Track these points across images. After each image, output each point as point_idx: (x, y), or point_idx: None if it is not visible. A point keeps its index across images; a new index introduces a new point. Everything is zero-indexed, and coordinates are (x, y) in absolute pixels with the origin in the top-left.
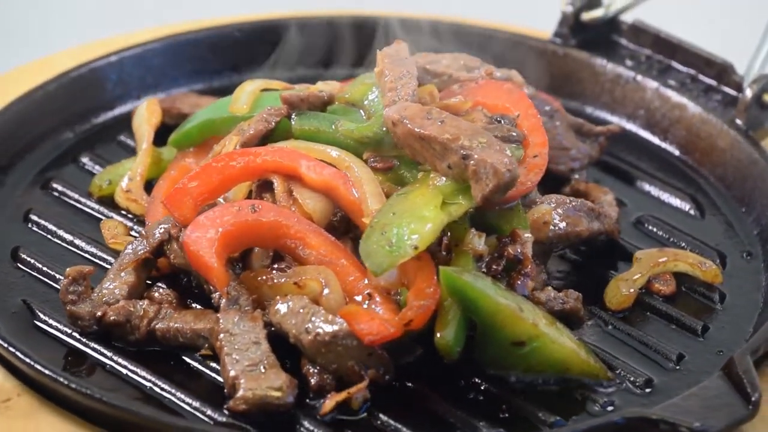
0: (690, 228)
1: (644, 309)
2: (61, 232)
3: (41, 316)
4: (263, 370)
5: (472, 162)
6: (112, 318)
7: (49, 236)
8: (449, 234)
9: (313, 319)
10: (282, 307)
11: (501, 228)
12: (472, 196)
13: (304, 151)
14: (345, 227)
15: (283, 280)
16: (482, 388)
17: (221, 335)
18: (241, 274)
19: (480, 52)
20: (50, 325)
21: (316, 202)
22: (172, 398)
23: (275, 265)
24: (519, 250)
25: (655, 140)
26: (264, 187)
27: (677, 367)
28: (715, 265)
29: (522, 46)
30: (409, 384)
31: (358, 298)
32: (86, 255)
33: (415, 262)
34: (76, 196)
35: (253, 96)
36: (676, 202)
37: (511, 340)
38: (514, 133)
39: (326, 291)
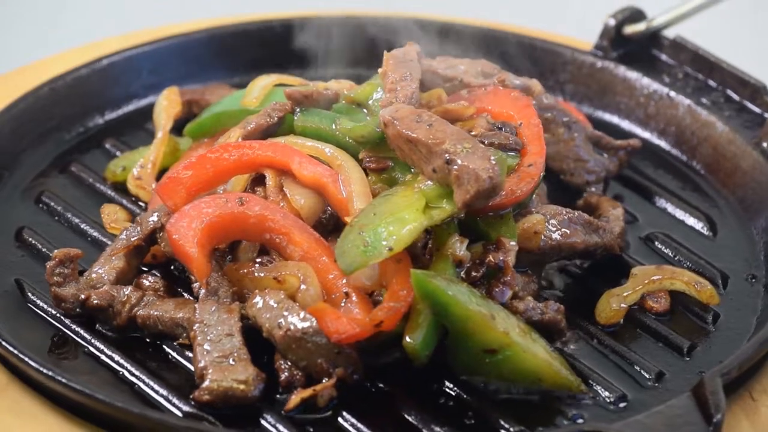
0: (699, 247)
1: (635, 325)
2: (68, 215)
3: (31, 296)
4: (232, 363)
5: (455, 167)
6: (95, 302)
7: (56, 218)
8: (432, 238)
9: (285, 314)
10: (258, 301)
11: (489, 235)
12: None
13: (300, 147)
14: (334, 225)
15: (263, 274)
16: (454, 394)
17: (196, 325)
18: (224, 266)
19: (514, 58)
20: (38, 306)
21: (305, 199)
22: (143, 385)
23: (259, 259)
24: (501, 258)
25: (682, 157)
26: (258, 181)
27: (655, 385)
28: (711, 285)
29: (560, 55)
30: (381, 385)
31: (336, 297)
32: (88, 238)
33: (394, 264)
34: (91, 180)
35: (266, 90)
36: (690, 220)
37: (482, 347)
38: (512, 141)
39: (303, 287)
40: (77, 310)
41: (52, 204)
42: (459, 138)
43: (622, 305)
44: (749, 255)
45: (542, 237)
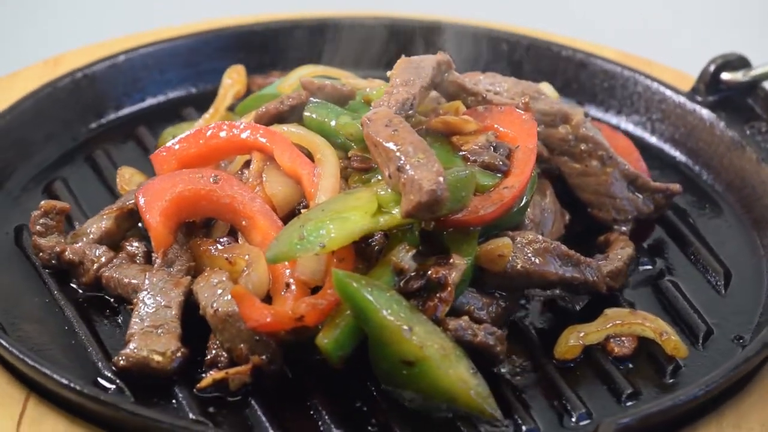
0: (702, 300)
1: (590, 365)
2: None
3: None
4: (159, 334)
5: (404, 175)
6: (68, 257)
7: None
8: (387, 243)
9: (219, 294)
10: (202, 279)
11: (450, 250)
12: None
13: (295, 137)
14: None
15: (217, 253)
16: (371, 398)
17: (140, 293)
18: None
19: (610, 93)
20: (27, 254)
21: (281, 187)
22: (80, 341)
23: (223, 239)
24: (442, 274)
25: (737, 212)
26: (248, 163)
27: (578, 424)
28: (677, 338)
29: (656, 93)
30: (303, 380)
31: (279, 286)
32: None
33: (337, 262)
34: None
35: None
36: (709, 273)
37: (399, 358)
38: (499, 163)
39: (246, 271)
40: (53, 261)
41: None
42: (416, 148)
43: (579, 342)
44: (749, 317)
45: (509, 262)
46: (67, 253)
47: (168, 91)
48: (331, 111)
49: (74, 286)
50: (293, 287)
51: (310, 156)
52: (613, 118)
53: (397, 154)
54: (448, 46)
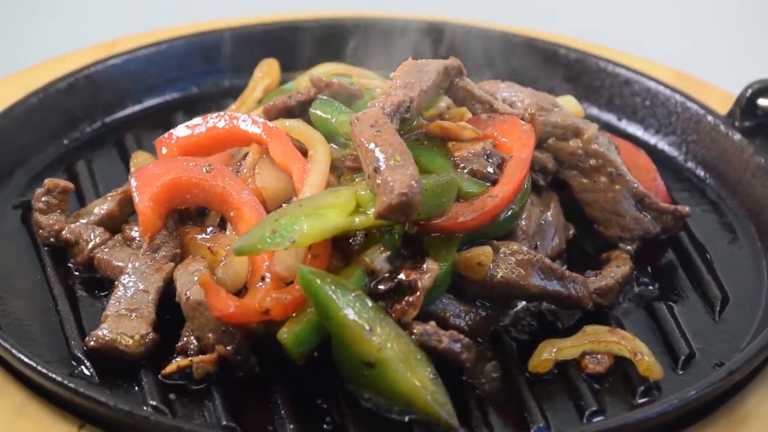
0: (692, 324)
1: (561, 380)
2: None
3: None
4: (133, 317)
5: (379, 176)
6: (65, 235)
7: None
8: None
9: (194, 281)
10: (182, 266)
11: (428, 255)
12: None
13: (294, 132)
14: None
15: (201, 242)
16: (333, 397)
17: (122, 276)
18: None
19: (651, 111)
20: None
21: (271, 181)
22: (62, 319)
23: (210, 228)
24: (413, 278)
25: (753, 239)
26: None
27: None
28: (652, 359)
29: (695, 114)
30: (270, 373)
31: (256, 278)
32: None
33: (311, 259)
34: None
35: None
36: (705, 298)
37: (360, 358)
38: (488, 171)
39: (223, 261)
40: (51, 239)
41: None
42: (395, 150)
43: (552, 356)
44: (737, 344)
45: (489, 271)
46: (64, 231)
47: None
48: (335, 109)
49: (71, 265)
50: (267, 280)
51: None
52: (651, 138)
53: (376, 155)
54: (488, 52)
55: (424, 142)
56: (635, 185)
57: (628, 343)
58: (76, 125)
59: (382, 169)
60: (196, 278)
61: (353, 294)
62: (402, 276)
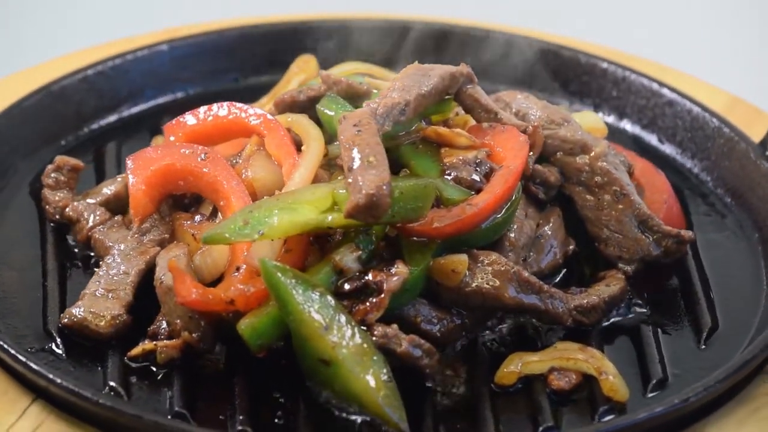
0: (674, 350)
1: (525, 394)
2: None
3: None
4: (109, 298)
5: (351, 175)
6: (68, 213)
7: None
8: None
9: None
10: (165, 251)
11: (403, 258)
12: None
13: (295, 126)
14: None
15: (186, 228)
16: (292, 392)
17: (108, 256)
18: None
19: (691, 135)
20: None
21: (263, 173)
22: (46, 294)
23: (198, 216)
24: (379, 279)
25: (759, 275)
26: None
27: None
28: (617, 380)
29: (728, 142)
30: (235, 363)
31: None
32: None
33: (283, 253)
34: None
35: (345, 74)
36: (694, 325)
37: (317, 355)
38: (475, 179)
39: (203, 248)
40: (56, 216)
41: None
42: (371, 151)
43: (518, 369)
44: (713, 372)
45: (464, 280)
46: (68, 209)
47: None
48: (340, 107)
49: (72, 243)
50: (242, 270)
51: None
52: (688, 161)
53: (352, 154)
54: (530, 62)
55: (419, 146)
56: (639, 206)
57: (595, 362)
58: (110, 111)
59: (354, 168)
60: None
61: (315, 290)
62: (369, 277)
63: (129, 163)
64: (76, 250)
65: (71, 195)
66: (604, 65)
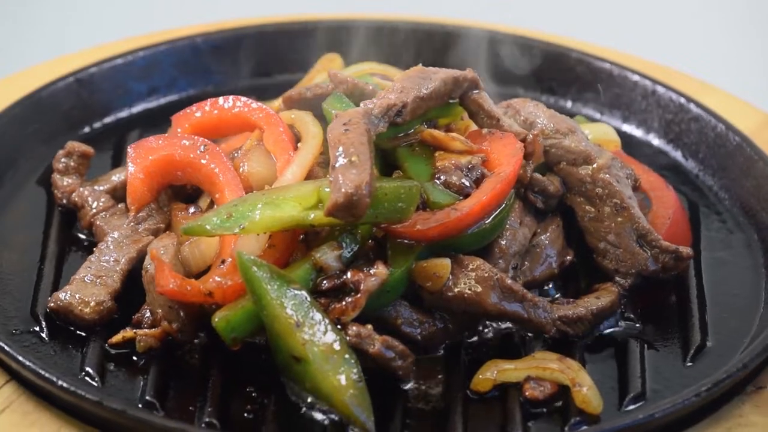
0: (658, 365)
1: (499, 401)
2: None
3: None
4: (96, 284)
5: (333, 174)
6: (74, 199)
7: None
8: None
9: (160, 255)
10: (156, 241)
11: (386, 259)
12: None
13: (296, 123)
14: None
15: (180, 219)
16: (265, 388)
17: (101, 243)
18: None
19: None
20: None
21: (258, 168)
22: (41, 277)
23: (194, 207)
24: (356, 279)
25: (758, 296)
26: None
27: None
28: (589, 393)
29: (749, 159)
30: (213, 355)
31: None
32: None
33: (267, 248)
34: None
35: (358, 74)
36: (684, 343)
37: (289, 352)
38: (465, 184)
39: (192, 240)
40: (63, 201)
41: None
42: (355, 150)
43: (492, 377)
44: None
45: (446, 284)
46: (74, 195)
47: None
48: (344, 105)
49: (78, 229)
50: (227, 263)
51: None
52: (708, 178)
53: (336, 153)
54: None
55: (416, 149)
56: (639, 219)
57: (571, 373)
58: (138, 100)
59: (336, 166)
60: (162, 252)
61: (290, 286)
62: (348, 276)
63: (130, 151)
64: (82, 237)
65: (80, 181)
66: (635, 78)
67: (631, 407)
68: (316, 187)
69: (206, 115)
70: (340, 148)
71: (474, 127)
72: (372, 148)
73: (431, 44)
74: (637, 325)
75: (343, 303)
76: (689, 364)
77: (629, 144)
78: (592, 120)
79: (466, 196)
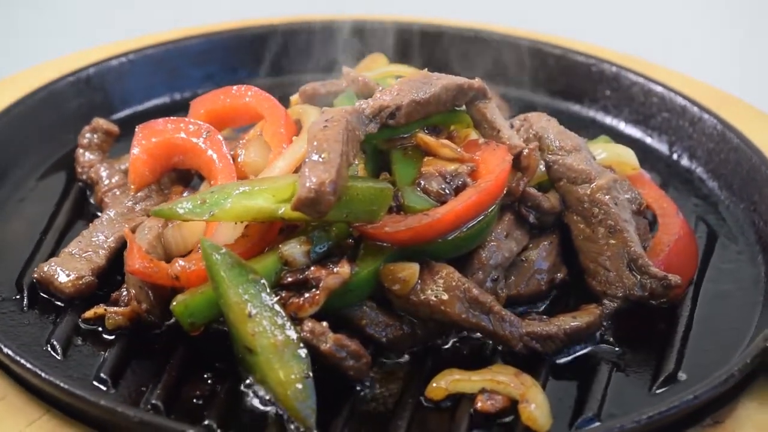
0: (621, 391)
1: (450, 411)
2: None
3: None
4: (81, 259)
5: (302, 167)
6: (91, 175)
7: None
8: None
9: (143, 236)
10: (147, 221)
11: (355, 259)
12: None
13: (303, 116)
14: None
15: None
16: (222, 375)
17: (96, 219)
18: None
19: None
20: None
21: (255, 158)
22: (38, 248)
23: (186, 190)
24: (320, 275)
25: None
26: None
27: None
28: (535, 412)
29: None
30: (180, 339)
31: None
32: None
33: (240, 237)
34: None
35: (381, 75)
36: (655, 371)
37: (242, 342)
38: (445, 191)
39: (174, 223)
40: (83, 176)
41: None
42: (327, 147)
43: (446, 386)
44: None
45: (413, 289)
46: (91, 170)
47: None
48: (352, 103)
49: (93, 203)
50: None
51: None
52: (738, 210)
53: (310, 148)
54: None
55: (409, 152)
56: (632, 244)
57: (523, 389)
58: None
59: (306, 161)
60: (146, 232)
61: (249, 277)
62: (311, 272)
63: (138, 131)
64: (98, 213)
65: (101, 158)
66: (684, 102)
67: (583, 429)
68: (293, 182)
69: (220, 103)
70: (315, 143)
71: (475, 135)
72: (356, 147)
73: (478, 51)
74: (616, 349)
75: (301, 299)
76: (657, 391)
77: (676, 172)
78: (640, 142)
79: (444, 203)
